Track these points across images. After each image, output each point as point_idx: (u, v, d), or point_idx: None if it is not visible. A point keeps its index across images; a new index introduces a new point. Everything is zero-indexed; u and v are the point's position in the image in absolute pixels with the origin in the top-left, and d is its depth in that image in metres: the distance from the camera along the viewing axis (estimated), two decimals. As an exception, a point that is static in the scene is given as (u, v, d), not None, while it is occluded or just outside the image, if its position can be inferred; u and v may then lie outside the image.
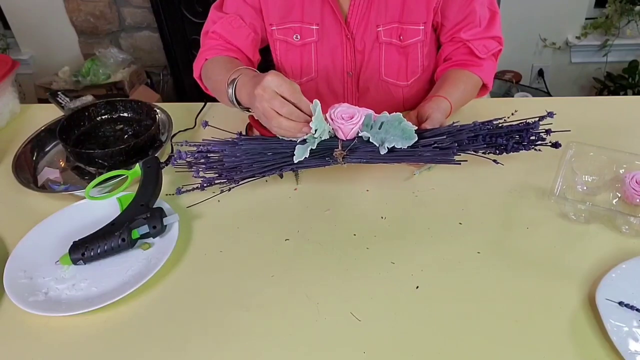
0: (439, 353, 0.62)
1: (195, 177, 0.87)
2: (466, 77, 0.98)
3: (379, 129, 0.80)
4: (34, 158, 1.02)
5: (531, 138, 0.82)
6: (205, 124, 0.93)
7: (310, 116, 0.77)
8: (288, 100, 0.75)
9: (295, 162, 0.79)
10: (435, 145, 0.78)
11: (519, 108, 0.87)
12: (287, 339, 0.65)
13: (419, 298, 0.69)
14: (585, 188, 0.83)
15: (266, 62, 1.17)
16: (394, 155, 0.79)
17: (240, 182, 0.86)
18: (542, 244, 0.75)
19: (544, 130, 0.83)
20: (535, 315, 0.65)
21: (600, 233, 0.77)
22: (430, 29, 1.00)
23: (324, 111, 1.12)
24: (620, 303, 0.64)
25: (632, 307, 0.63)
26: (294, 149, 0.79)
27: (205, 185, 0.86)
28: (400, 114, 0.80)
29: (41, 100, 2.30)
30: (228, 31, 1.00)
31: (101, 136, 1.03)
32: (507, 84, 2.39)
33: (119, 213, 0.80)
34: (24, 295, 0.71)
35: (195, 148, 0.87)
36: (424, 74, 1.07)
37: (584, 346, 0.61)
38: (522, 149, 0.82)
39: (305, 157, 0.78)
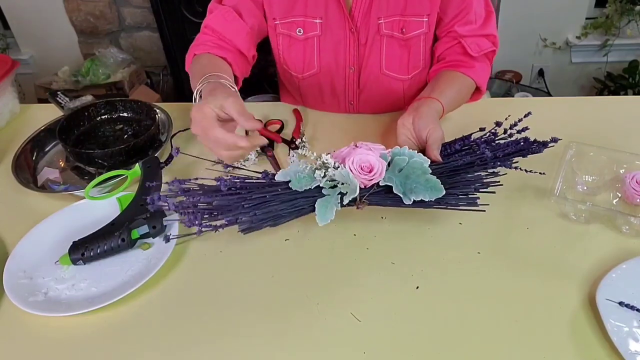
0: (439, 353, 0.62)
1: (190, 226, 0.73)
2: (459, 79, 0.97)
3: (399, 172, 0.75)
4: (33, 158, 1.02)
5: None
6: (177, 152, 0.80)
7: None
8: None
9: (320, 224, 0.71)
10: (461, 194, 0.75)
11: (519, 108, 0.87)
12: (287, 339, 0.65)
13: (419, 298, 0.69)
14: (585, 188, 0.83)
15: (266, 61, 1.16)
16: (417, 204, 0.74)
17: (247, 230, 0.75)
18: (542, 244, 0.75)
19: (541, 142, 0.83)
20: (535, 315, 0.65)
21: (601, 233, 0.77)
22: (434, 21, 0.99)
23: (321, 99, 1.11)
24: (621, 303, 0.64)
25: (632, 307, 0.63)
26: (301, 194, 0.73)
27: (202, 229, 0.72)
28: (423, 163, 0.75)
29: (41, 100, 2.30)
30: (221, 24, 0.96)
31: (101, 136, 1.03)
32: (507, 84, 2.39)
33: (119, 213, 0.80)
34: (24, 295, 0.71)
35: (183, 197, 0.74)
36: (425, 68, 1.07)
37: (584, 346, 0.61)
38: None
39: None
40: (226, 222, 0.73)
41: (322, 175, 0.74)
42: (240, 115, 0.74)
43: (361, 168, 0.74)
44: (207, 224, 0.72)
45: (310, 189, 0.74)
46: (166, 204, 0.73)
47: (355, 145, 0.77)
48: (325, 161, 0.74)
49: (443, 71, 0.99)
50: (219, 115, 0.75)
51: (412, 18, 0.98)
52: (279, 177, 0.76)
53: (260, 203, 0.73)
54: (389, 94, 1.09)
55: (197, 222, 0.71)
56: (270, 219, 0.74)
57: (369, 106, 1.11)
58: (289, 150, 0.97)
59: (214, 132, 0.73)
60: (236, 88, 0.85)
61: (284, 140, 1.00)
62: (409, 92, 1.09)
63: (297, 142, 0.98)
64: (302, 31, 1.01)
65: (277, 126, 1.07)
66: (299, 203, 0.74)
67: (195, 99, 0.82)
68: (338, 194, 0.73)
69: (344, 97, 1.10)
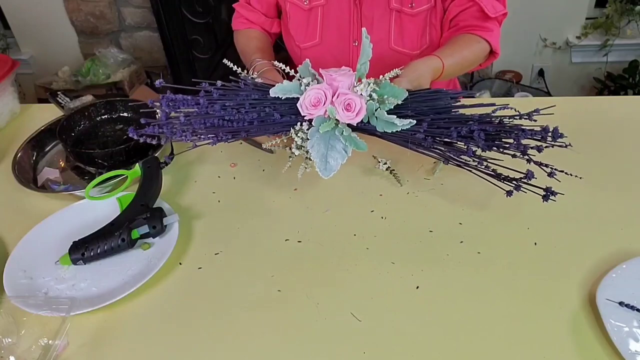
0: (439, 353, 0.62)
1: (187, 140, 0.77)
2: (472, 42, 0.96)
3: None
4: (33, 158, 1.01)
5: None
6: (160, 83, 0.80)
7: None
8: None
9: (323, 176, 0.73)
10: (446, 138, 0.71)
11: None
12: (287, 339, 0.65)
13: (419, 298, 0.69)
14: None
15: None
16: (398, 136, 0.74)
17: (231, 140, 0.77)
18: (542, 244, 0.75)
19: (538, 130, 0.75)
20: (535, 316, 0.65)
21: (601, 233, 0.77)
22: None
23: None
24: (621, 303, 0.64)
25: (632, 307, 0.63)
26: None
27: (197, 143, 0.76)
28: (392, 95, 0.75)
29: (41, 100, 2.30)
30: (246, 11, 1.14)
31: (101, 136, 1.03)
32: (508, 83, 2.39)
33: (119, 213, 0.80)
34: (24, 295, 0.71)
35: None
36: (431, 44, 1.07)
37: (584, 346, 0.61)
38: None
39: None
40: (204, 130, 0.74)
41: (307, 84, 0.76)
42: None
43: (345, 108, 0.73)
44: (188, 133, 0.75)
45: (290, 105, 0.76)
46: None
47: (321, 76, 0.78)
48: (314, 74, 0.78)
49: (458, 35, 0.98)
50: None
51: None
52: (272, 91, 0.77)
53: (237, 106, 0.75)
54: None
55: (182, 135, 0.75)
56: (241, 128, 0.75)
57: None
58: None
59: None
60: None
61: None
62: None
63: None
64: (308, 1, 1.04)
65: None
66: (274, 116, 0.75)
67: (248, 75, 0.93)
68: (336, 126, 0.73)
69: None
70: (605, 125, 1.01)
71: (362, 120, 0.74)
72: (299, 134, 0.75)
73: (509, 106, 0.76)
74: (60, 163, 1.02)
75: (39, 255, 0.77)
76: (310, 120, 0.75)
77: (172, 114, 0.78)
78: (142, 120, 0.78)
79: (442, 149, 0.73)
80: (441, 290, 0.69)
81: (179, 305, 0.70)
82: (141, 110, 0.79)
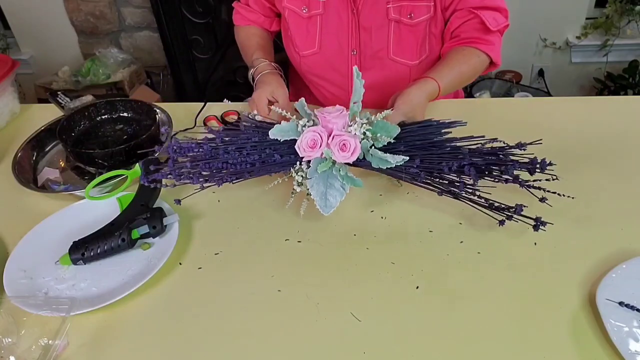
0: (439, 353, 0.62)
1: (194, 183, 0.80)
2: (471, 57, 0.97)
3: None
4: (34, 158, 1.02)
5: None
6: (165, 130, 0.90)
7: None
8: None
9: (324, 212, 0.76)
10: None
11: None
12: (287, 339, 0.65)
13: (419, 298, 0.69)
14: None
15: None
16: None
17: (236, 181, 0.81)
18: (542, 244, 0.75)
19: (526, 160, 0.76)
20: (535, 316, 0.65)
21: (601, 233, 0.77)
22: (439, 7, 0.99)
23: (326, 89, 1.14)
24: (621, 303, 0.64)
25: (632, 307, 0.63)
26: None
27: (204, 184, 0.80)
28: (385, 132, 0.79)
29: (41, 100, 2.29)
30: (245, 11, 1.17)
31: (101, 136, 1.03)
32: (507, 84, 2.39)
33: (119, 213, 0.80)
34: (24, 295, 0.71)
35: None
36: (431, 54, 1.07)
37: (584, 346, 0.61)
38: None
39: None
40: (207, 172, 0.79)
41: (303, 125, 0.80)
42: (284, 106, 0.94)
43: (341, 149, 0.77)
44: (190, 176, 0.80)
45: (288, 146, 0.80)
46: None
47: (316, 116, 0.81)
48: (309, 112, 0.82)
49: (456, 48, 0.99)
50: (269, 98, 0.98)
51: (419, 3, 0.98)
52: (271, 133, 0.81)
53: (238, 149, 0.80)
54: (395, 80, 1.09)
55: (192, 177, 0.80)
56: (244, 169, 0.79)
57: (373, 92, 1.11)
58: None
59: (263, 107, 0.97)
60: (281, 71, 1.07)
61: None
62: (414, 78, 1.09)
63: None
64: (307, 9, 1.04)
65: (234, 117, 1.10)
66: (274, 157, 0.79)
67: (251, 74, 1.07)
68: (334, 165, 0.76)
69: (347, 80, 1.11)
70: (605, 125, 1.01)
71: (357, 158, 0.77)
72: (299, 173, 0.78)
73: (497, 139, 0.79)
74: (60, 163, 1.02)
75: (39, 255, 0.77)
76: (308, 161, 0.78)
77: (179, 159, 0.83)
78: (151, 167, 0.82)
79: (435, 182, 0.77)
80: (441, 290, 0.69)
81: (179, 305, 0.70)
82: (147, 159, 0.86)
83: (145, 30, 2.44)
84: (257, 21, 1.17)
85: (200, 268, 0.75)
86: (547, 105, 1.12)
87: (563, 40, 2.40)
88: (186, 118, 1.08)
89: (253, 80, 1.06)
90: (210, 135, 0.84)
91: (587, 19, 2.34)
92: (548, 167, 0.73)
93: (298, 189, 0.78)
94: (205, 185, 0.80)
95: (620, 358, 0.59)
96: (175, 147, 0.82)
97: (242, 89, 2.31)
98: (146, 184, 0.82)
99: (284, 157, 0.79)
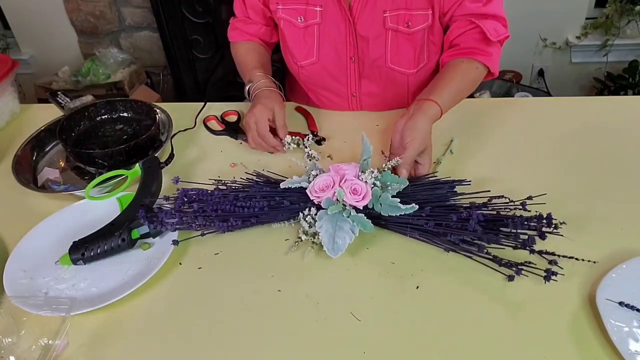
0: (439, 353, 0.62)
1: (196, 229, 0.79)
2: (470, 71, 0.96)
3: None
4: (34, 158, 1.02)
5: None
6: (177, 180, 0.85)
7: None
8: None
9: (332, 255, 0.74)
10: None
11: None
12: (287, 339, 0.65)
13: (419, 298, 0.69)
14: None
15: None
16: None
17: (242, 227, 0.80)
18: (542, 244, 0.75)
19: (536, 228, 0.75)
20: (535, 316, 0.65)
21: (600, 233, 0.77)
22: (437, 14, 0.99)
23: (325, 96, 1.14)
24: (621, 303, 0.64)
25: (632, 307, 0.63)
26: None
27: (205, 232, 0.79)
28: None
29: (41, 100, 2.29)
30: (244, 24, 1.14)
31: (101, 136, 1.03)
32: (507, 84, 2.39)
33: (119, 213, 0.80)
34: (24, 295, 0.71)
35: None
36: (430, 62, 1.07)
37: (584, 346, 0.61)
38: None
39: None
40: (217, 222, 0.78)
41: (315, 174, 0.81)
42: (281, 127, 0.97)
43: (352, 192, 0.77)
44: (200, 219, 0.78)
45: (300, 194, 0.81)
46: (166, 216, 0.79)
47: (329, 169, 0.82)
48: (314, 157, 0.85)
49: (454, 60, 0.97)
50: (269, 116, 0.97)
51: (416, 12, 0.98)
52: (284, 185, 0.82)
53: (247, 198, 0.80)
54: (393, 88, 1.09)
55: (195, 224, 0.77)
56: (253, 216, 0.78)
57: (372, 99, 1.12)
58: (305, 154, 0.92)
59: (264, 132, 0.96)
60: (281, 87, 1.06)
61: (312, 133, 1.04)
62: (413, 86, 1.09)
63: (317, 135, 1.03)
64: (302, 19, 1.03)
65: (234, 117, 1.11)
66: (284, 203, 0.79)
67: (247, 91, 1.06)
68: (343, 210, 0.76)
69: (346, 89, 1.11)
70: (605, 125, 1.01)
71: (367, 206, 0.77)
72: (306, 219, 0.78)
73: (503, 196, 0.78)
74: (60, 163, 1.02)
75: (39, 255, 0.77)
76: (318, 206, 0.78)
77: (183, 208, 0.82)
78: (156, 211, 0.80)
79: (443, 239, 0.75)
80: (441, 290, 0.69)
81: (179, 305, 0.70)
82: (148, 209, 0.82)
83: (145, 30, 2.44)
84: (257, 33, 1.13)
85: (200, 268, 0.75)
86: (547, 105, 1.12)
87: (563, 40, 2.40)
88: (186, 118, 1.08)
89: (249, 94, 1.04)
90: (222, 187, 0.85)
91: (587, 19, 2.34)
92: (558, 223, 0.72)
93: (303, 238, 0.77)
94: (205, 232, 0.79)
95: (620, 358, 0.59)
96: (184, 195, 0.81)
97: (242, 89, 2.31)
98: (146, 224, 0.78)
99: (293, 204, 0.80)
